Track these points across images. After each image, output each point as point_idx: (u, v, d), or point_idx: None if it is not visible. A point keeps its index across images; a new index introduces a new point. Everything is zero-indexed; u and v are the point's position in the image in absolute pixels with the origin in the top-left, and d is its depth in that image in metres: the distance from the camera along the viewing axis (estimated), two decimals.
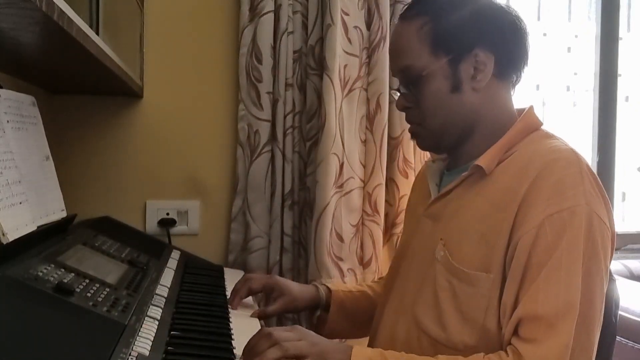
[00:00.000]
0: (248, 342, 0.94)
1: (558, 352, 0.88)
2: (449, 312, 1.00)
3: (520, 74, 1.09)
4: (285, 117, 1.68)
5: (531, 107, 1.09)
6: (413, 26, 1.05)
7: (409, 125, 1.13)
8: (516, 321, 0.92)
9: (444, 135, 1.08)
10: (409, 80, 1.06)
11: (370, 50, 1.69)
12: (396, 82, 1.13)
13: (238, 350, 0.96)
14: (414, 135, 1.12)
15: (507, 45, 1.05)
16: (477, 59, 1.03)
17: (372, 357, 0.95)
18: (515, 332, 0.92)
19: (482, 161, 1.01)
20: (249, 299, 1.32)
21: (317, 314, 1.36)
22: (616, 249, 2.38)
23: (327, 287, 1.34)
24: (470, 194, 1.03)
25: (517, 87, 1.12)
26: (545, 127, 1.08)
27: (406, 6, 1.10)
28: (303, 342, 0.94)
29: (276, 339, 0.92)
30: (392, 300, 1.15)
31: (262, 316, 1.23)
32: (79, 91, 1.66)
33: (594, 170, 2.33)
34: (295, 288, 1.31)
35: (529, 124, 1.06)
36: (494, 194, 0.99)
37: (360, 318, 1.30)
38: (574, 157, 0.97)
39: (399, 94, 1.11)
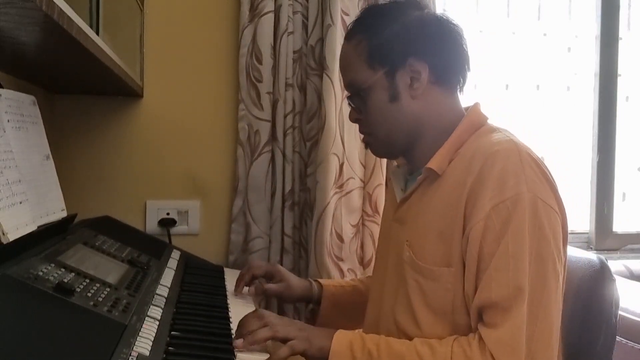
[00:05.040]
0: (241, 319, 1.05)
1: (512, 333, 0.93)
2: (420, 309, 1.05)
3: (463, 77, 1.13)
4: (285, 117, 1.68)
5: (476, 105, 1.14)
6: (352, 44, 1.12)
7: None
8: (476, 309, 0.97)
9: (392, 143, 1.14)
10: (354, 93, 1.13)
11: None
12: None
13: (238, 350, 0.97)
14: (367, 144, 1.18)
15: (439, 53, 1.10)
16: (412, 69, 1.08)
17: (352, 340, 1.02)
18: (480, 318, 0.97)
19: (433, 163, 1.07)
20: (249, 298, 1.35)
21: (310, 307, 1.46)
22: (616, 249, 2.37)
23: (319, 283, 1.40)
24: (428, 195, 1.08)
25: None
26: (490, 121, 1.12)
27: (349, 27, 1.17)
28: (291, 327, 1.04)
29: (267, 321, 1.03)
30: (372, 304, 1.21)
31: (259, 292, 1.37)
32: (79, 91, 1.66)
33: (594, 170, 2.34)
34: (293, 279, 1.40)
35: (474, 121, 1.11)
36: (446, 191, 1.04)
37: (351, 311, 1.35)
38: (514, 147, 1.00)
39: (350, 108, 1.17)
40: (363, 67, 1.10)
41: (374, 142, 1.16)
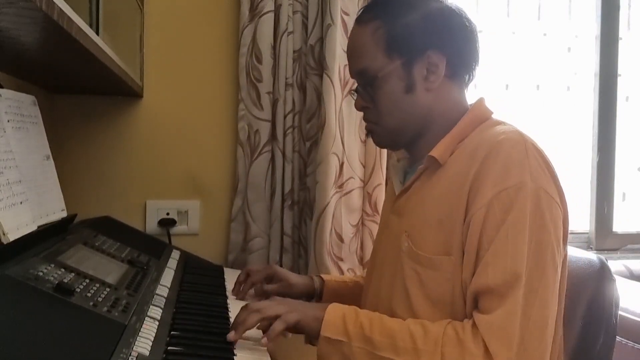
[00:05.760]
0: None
1: (504, 318, 0.92)
2: (418, 299, 1.04)
3: (472, 73, 1.13)
4: (285, 117, 1.68)
5: (481, 99, 1.14)
6: (368, 30, 1.09)
7: None
8: (472, 295, 0.97)
9: (399, 134, 1.13)
10: (366, 81, 1.10)
11: None
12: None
13: (238, 350, 0.97)
14: (370, 133, 1.17)
15: (457, 47, 1.09)
16: (430, 61, 1.07)
17: (346, 312, 1.03)
18: (476, 305, 0.97)
19: (435, 152, 1.06)
20: (249, 298, 1.35)
21: (312, 302, 1.42)
22: (616, 249, 2.37)
23: (321, 278, 1.40)
24: (428, 185, 1.08)
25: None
26: (495, 115, 1.12)
27: (362, 10, 1.14)
28: (281, 305, 1.04)
29: (251, 307, 1.02)
30: (369, 297, 1.21)
31: (258, 293, 1.34)
32: (79, 91, 1.66)
33: (594, 170, 2.34)
34: (293, 276, 1.39)
35: (478, 114, 1.10)
36: (448, 180, 1.03)
37: (352, 305, 1.33)
38: (519, 137, 1.00)
39: (357, 95, 1.15)
40: (379, 55, 1.07)
41: (381, 132, 1.14)
